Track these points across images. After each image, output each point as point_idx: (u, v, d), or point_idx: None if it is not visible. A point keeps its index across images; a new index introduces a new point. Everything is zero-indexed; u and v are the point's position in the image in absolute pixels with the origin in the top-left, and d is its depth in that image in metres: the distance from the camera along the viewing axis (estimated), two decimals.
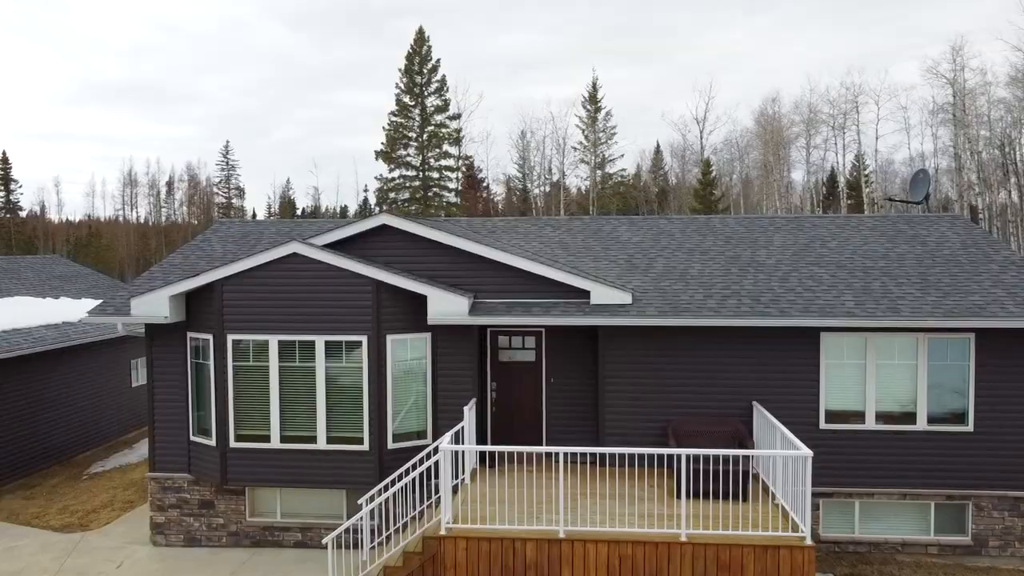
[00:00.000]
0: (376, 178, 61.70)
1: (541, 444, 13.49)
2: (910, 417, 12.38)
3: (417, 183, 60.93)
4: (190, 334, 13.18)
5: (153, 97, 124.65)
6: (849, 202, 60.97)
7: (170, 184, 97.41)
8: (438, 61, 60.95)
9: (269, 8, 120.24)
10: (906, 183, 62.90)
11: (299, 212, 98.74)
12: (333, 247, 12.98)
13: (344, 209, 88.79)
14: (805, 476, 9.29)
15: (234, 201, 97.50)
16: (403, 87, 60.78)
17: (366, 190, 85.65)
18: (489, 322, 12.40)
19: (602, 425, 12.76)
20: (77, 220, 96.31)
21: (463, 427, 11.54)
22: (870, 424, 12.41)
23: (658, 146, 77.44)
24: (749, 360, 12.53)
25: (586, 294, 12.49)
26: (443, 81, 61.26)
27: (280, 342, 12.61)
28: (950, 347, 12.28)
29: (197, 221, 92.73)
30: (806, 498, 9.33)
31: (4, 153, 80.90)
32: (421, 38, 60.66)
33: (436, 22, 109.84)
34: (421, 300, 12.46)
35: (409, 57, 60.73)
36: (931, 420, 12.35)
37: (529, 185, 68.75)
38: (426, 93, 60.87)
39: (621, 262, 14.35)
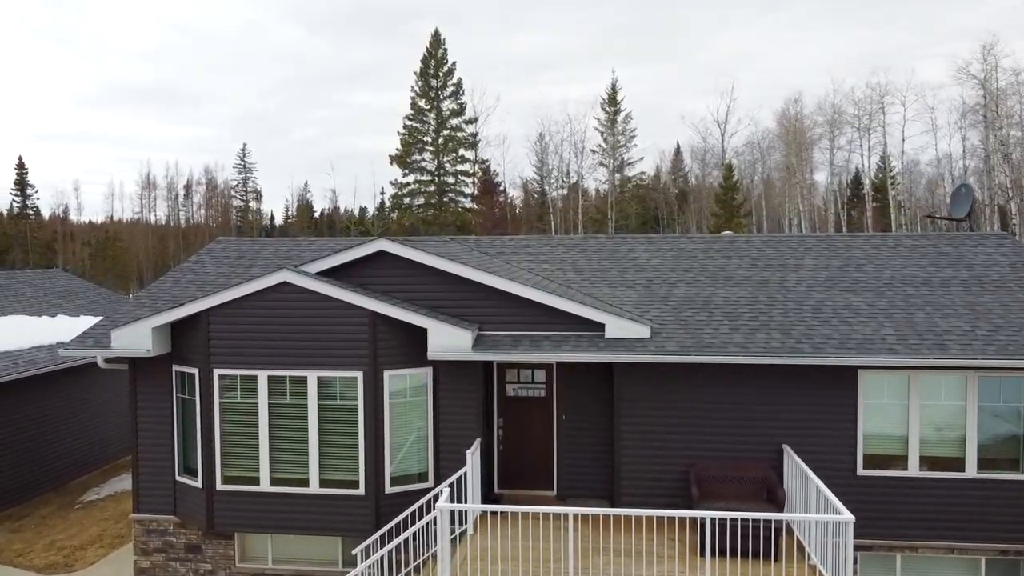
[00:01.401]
0: (391, 183, 60.95)
1: (551, 485, 12.55)
2: (958, 463, 11.23)
3: (432, 188, 60.12)
4: (175, 367, 12.32)
5: (168, 99, 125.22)
6: (874, 204, 59.43)
7: (188, 187, 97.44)
8: (454, 64, 60.09)
9: (280, 8, 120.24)
10: (932, 184, 61.29)
11: (317, 215, 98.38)
12: (328, 274, 12.06)
13: (363, 211, 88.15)
14: (846, 543, 8.29)
15: (251, 204, 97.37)
16: (418, 90, 59.94)
17: (382, 193, 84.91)
18: (494, 358, 11.43)
19: (618, 469, 11.72)
20: (100, 222, 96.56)
21: (466, 472, 10.59)
22: (913, 470, 11.27)
23: (678, 147, 76.15)
24: (779, 399, 11.45)
25: (601, 327, 11.46)
26: (459, 84, 60.39)
27: (270, 377, 11.71)
28: (1003, 386, 11.12)
29: (215, 224, 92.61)
30: (846, 567, 8.31)
31: (20, 159, 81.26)
32: (436, 41, 59.78)
33: (448, 21, 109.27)
34: (421, 332, 11.50)
35: (424, 60, 59.88)
36: (982, 466, 11.19)
37: (547, 188, 67.68)
38: (442, 97, 60.03)
39: (639, 288, 13.30)
